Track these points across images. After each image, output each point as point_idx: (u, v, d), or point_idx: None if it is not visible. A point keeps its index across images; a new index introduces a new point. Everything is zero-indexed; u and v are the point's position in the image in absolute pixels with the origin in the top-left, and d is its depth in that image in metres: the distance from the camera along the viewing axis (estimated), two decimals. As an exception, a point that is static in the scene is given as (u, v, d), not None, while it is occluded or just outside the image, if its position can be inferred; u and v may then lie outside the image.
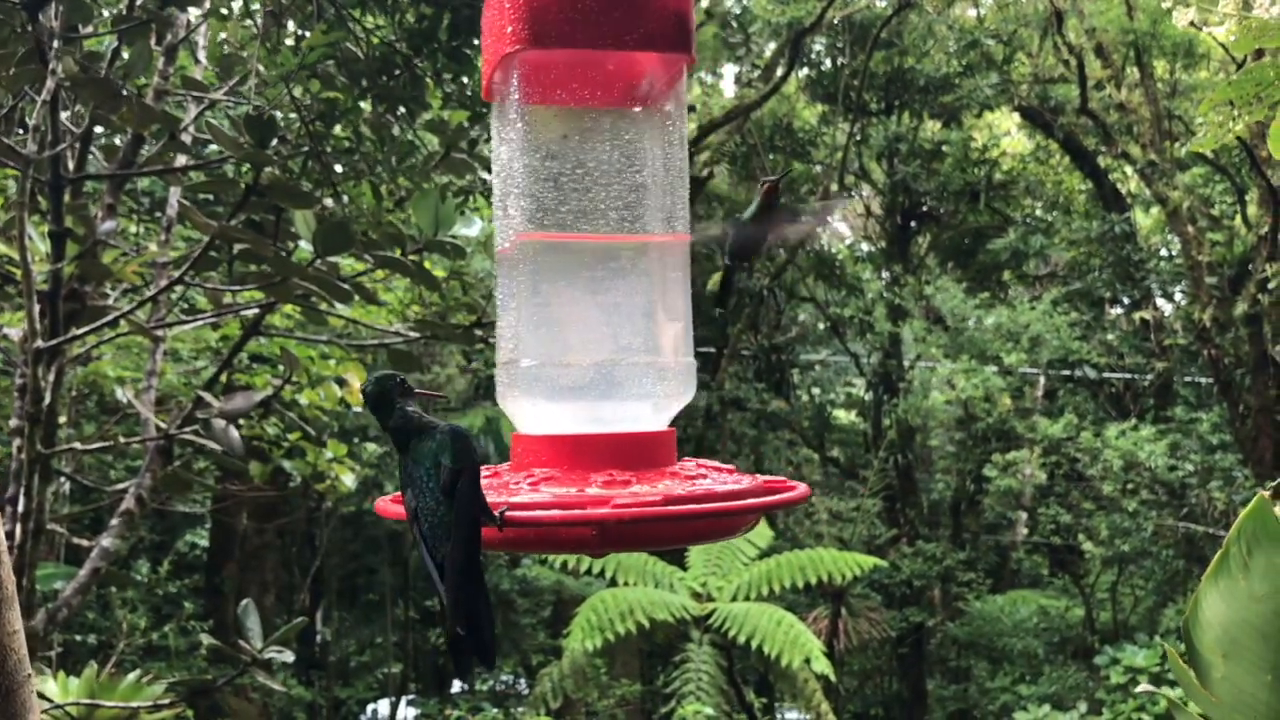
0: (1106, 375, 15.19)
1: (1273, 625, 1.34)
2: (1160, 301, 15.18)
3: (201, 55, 3.44)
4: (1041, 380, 15.89)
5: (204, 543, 12.84)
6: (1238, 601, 1.37)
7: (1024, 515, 16.28)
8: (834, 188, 15.28)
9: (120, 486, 3.60)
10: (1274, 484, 1.46)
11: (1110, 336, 14.92)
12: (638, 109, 1.34)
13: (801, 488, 1.28)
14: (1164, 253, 15.55)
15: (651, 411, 1.30)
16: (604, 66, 1.31)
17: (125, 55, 2.82)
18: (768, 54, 15.98)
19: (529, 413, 1.31)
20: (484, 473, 1.28)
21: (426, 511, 1.12)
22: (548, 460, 1.26)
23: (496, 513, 1.13)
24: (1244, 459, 12.45)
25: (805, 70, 15.88)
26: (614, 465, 1.23)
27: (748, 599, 9.95)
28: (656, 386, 1.30)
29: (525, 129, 1.28)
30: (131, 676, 3.41)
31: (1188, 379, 15.12)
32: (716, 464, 1.33)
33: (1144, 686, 1.64)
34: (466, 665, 1.13)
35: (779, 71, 14.88)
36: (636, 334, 1.31)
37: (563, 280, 1.31)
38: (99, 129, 3.31)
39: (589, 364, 1.30)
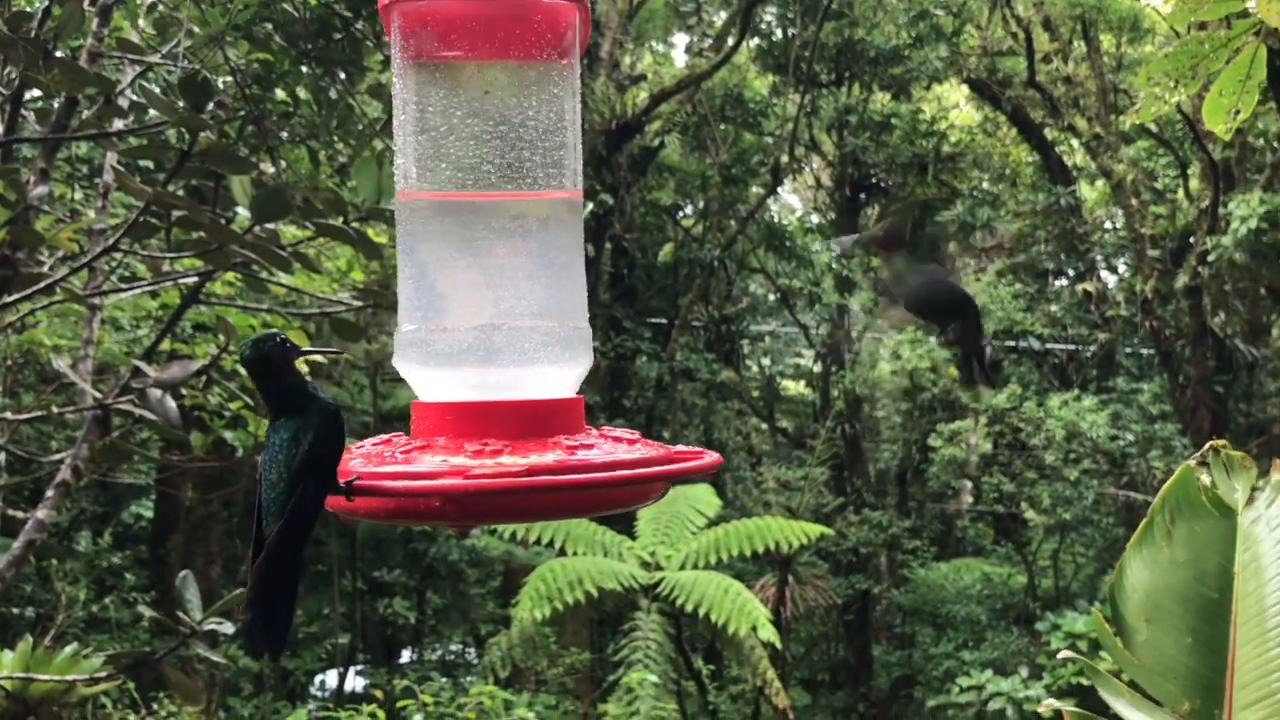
0: (1050, 346, 15.40)
1: (1193, 590, 1.38)
2: (1104, 274, 15.40)
3: (133, 17, 3.36)
4: (987, 350, 16.07)
5: (149, 514, 12.69)
6: (1160, 568, 1.40)
7: (969, 484, 16.52)
8: (784, 159, 15.30)
9: (57, 457, 3.54)
10: (1199, 454, 1.49)
11: (1054, 308, 15.12)
12: (524, 61, 1.29)
13: (710, 456, 1.25)
14: (1108, 225, 15.75)
15: (543, 378, 1.28)
16: (487, 16, 1.27)
17: (56, 15, 2.74)
18: (719, 23, 15.94)
19: (416, 379, 1.29)
20: (373, 442, 1.27)
21: (268, 484, 1.12)
22: (440, 428, 1.23)
23: (345, 482, 1.12)
24: (1183, 429, 12.70)
25: (756, 40, 15.85)
26: (505, 434, 1.20)
27: (696, 567, 10.02)
28: (541, 352, 1.27)
29: (403, 84, 1.25)
30: (69, 649, 3.36)
31: (1129, 350, 15.37)
32: (621, 433, 1.30)
33: (1065, 652, 1.68)
34: (256, 647, 1.14)
35: (730, 41, 14.84)
36: (519, 297, 1.28)
37: (441, 241, 1.28)
38: (36, 92, 3.22)
39: (469, 328, 1.27)
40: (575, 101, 1.30)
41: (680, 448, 1.30)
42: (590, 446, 1.22)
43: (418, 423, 1.28)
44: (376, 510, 1.19)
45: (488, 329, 1.26)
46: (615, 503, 1.28)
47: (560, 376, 1.29)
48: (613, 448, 1.24)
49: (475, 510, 1.15)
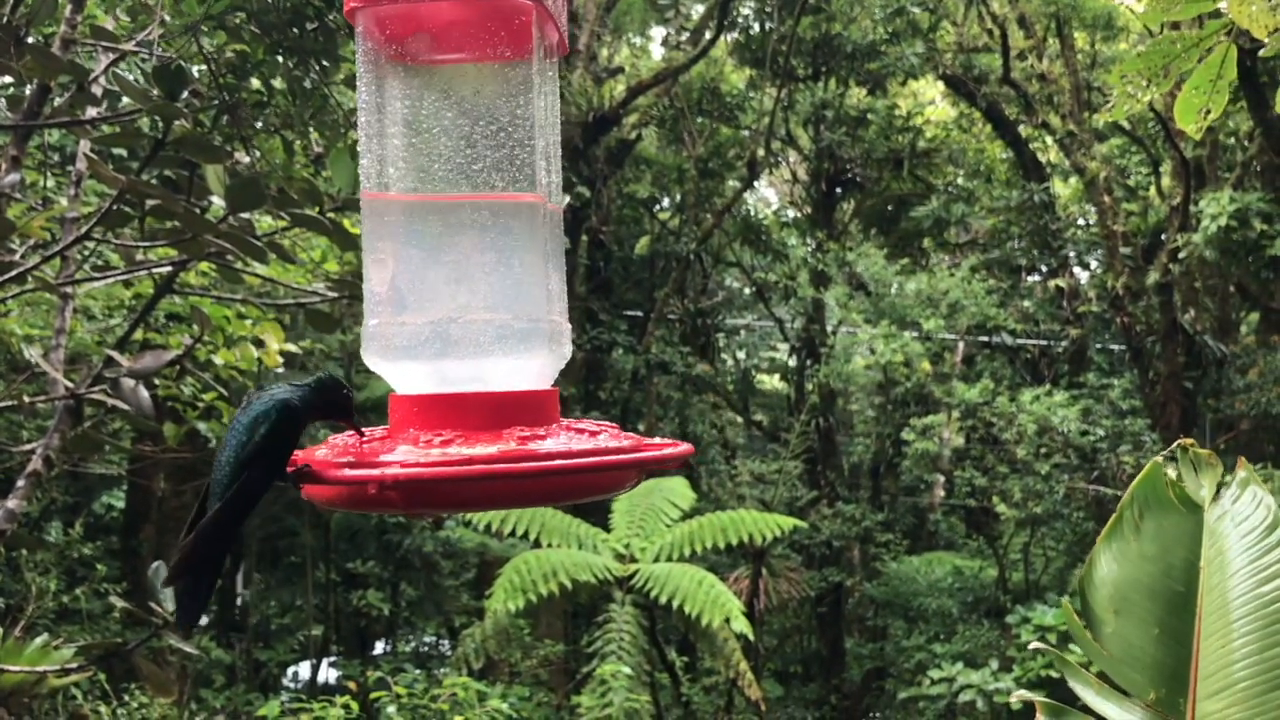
0: (1023, 341, 15.51)
1: (1161, 584, 1.41)
2: (1076, 270, 15.52)
3: (109, 5, 3.34)
4: (960, 346, 16.19)
5: (120, 504, 12.59)
6: (1129, 562, 1.43)
7: (941, 478, 16.62)
8: (761, 153, 15.33)
9: (28, 447, 3.51)
10: (1168, 450, 1.52)
11: (1027, 304, 15.23)
12: (484, 62, 1.29)
13: (679, 447, 1.27)
14: (1081, 222, 15.88)
15: (505, 370, 1.29)
16: (448, 18, 1.28)
17: (28, 1, 2.72)
18: (696, 17, 15.93)
19: (382, 372, 1.32)
20: (346, 434, 1.29)
21: (219, 464, 1.17)
22: (410, 419, 1.26)
23: (293, 469, 1.17)
24: (1153, 424, 12.82)
25: (734, 34, 15.87)
26: (467, 425, 1.22)
27: (670, 560, 10.03)
28: (497, 344, 1.29)
29: (365, 85, 1.27)
30: (39, 640, 3.33)
31: (1100, 346, 15.50)
32: (591, 424, 1.31)
33: (1035, 644, 1.71)
34: (180, 615, 1.22)
35: (707, 35, 14.84)
36: (475, 292, 1.30)
37: (402, 238, 1.30)
38: (7, 79, 3.19)
39: (427, 321, 1.29)
40: (544, 100, 1.30)
41: (656, 440, 1.31)
42: (544, 438, 1.22)
43: (392, 415, 1.31)
44: (333, 499, 1.22)
45: (445, 322, 1.28)
46: (573, 491, 1.30)
47: (523, 369, 1.30)
48: (569, 439, 1.24)
49: (417, 498, 1.17)
